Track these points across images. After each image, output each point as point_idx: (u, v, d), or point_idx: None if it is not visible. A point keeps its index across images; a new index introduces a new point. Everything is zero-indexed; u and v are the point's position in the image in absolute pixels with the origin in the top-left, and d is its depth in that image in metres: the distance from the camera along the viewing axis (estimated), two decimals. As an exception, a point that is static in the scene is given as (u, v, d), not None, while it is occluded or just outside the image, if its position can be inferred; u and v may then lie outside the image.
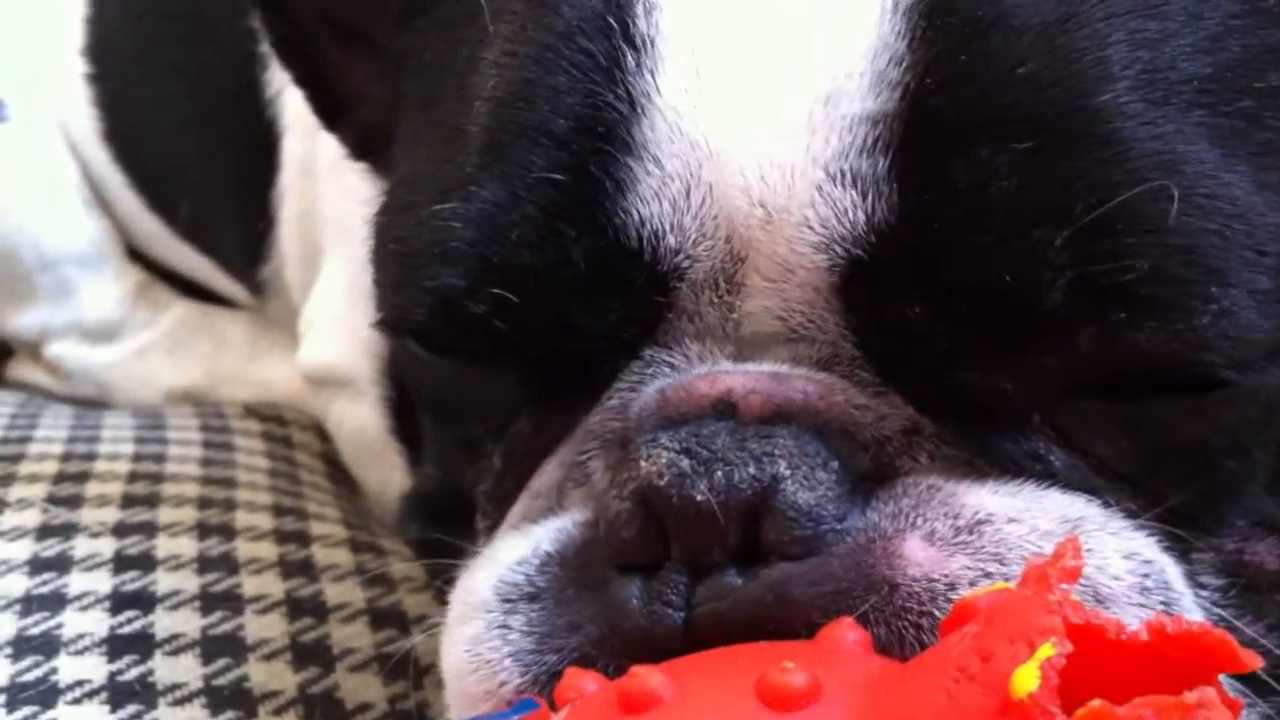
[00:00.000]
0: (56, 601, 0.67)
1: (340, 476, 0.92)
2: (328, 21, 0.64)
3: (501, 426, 0.51)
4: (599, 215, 0.44)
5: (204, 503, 0.79)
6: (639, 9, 0.45)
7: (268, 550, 0.75)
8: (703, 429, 0.44)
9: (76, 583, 0.69)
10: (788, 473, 0.42)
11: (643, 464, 0.43)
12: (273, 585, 0.71)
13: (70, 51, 1.00)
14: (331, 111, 0.67)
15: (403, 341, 0.52)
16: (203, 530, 0.75)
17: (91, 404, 1.05)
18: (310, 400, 0.96)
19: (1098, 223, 0.41)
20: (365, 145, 0.66)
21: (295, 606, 0.70)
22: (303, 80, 0.67)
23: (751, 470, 0.42)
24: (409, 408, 0.67)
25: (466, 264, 0.46)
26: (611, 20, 0.46)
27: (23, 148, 1.01)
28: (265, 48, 0.89)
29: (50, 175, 1.02)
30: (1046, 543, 0.42)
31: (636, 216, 0.44)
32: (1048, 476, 0.44)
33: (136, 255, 1.08)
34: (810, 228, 0.43)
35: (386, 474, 0.83)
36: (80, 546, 0.72)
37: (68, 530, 0.74)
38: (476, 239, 0.46)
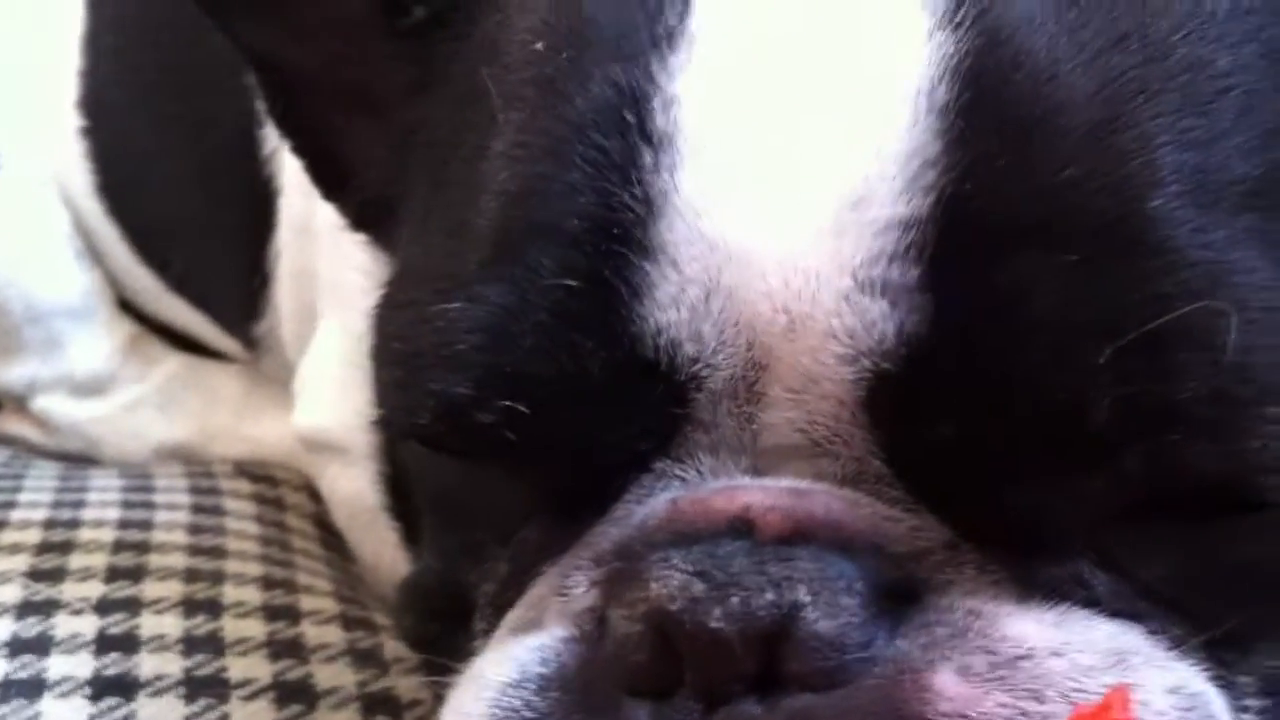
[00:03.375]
0: (35, 688, 0.64)
1: (333, 541, 0.89)
2: (330, 84, 0.61)
3: (508, 532, 0.48)
4: (614, 323, 0.42)
5: (191, 575, 0.76)
6: (656, 103, 0.43)
7: (256, 628, 0.72)
8: (718, 549, 0.41)
9: (56, 666, 0.66)
10: (808, 599, 0.40)
11: (653, 585, 0.41)
12: (260, 668, 0.68)
13: (65, 104, 0.97)
14: (330, 179, 0.64)
15: (404, 441, 0.50)
16: (189, 607, 0.73)
17: (79, 460, 1.02)
18: (303, 459, 0.93)
19: (1147, 338, 0.39)
20: (366, 217, 0.63)
21: (283, 692, 0.67)
22: (301, 147, 0.64)
23: (770, 596, 0.40)
24: (405, 485, 0.64)
25: (473, 371, 0.44)
26: (627, 114, 0.43)
27: (14, 200, 0.98)
28: (260, 107, 0.87)
29: (41, 228, 0.99)
30: (1089, 679, 0.39)
31: (653, 324, 0.42)
32: (1091, 602, 0.41)
33: (128, 308, 1.05)
34: (836, 338, 0.41)
35: (380, 545, 0.80)
36: (61, 626, 0.69)
37: (49, 608, 0.71)
38: (484, 345, 0.43)
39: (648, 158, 0.42)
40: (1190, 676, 0.41)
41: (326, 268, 0.84)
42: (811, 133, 0.42)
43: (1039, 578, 0.42)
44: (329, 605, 0.76)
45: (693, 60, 0.43)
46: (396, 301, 0.50)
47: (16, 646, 0.67)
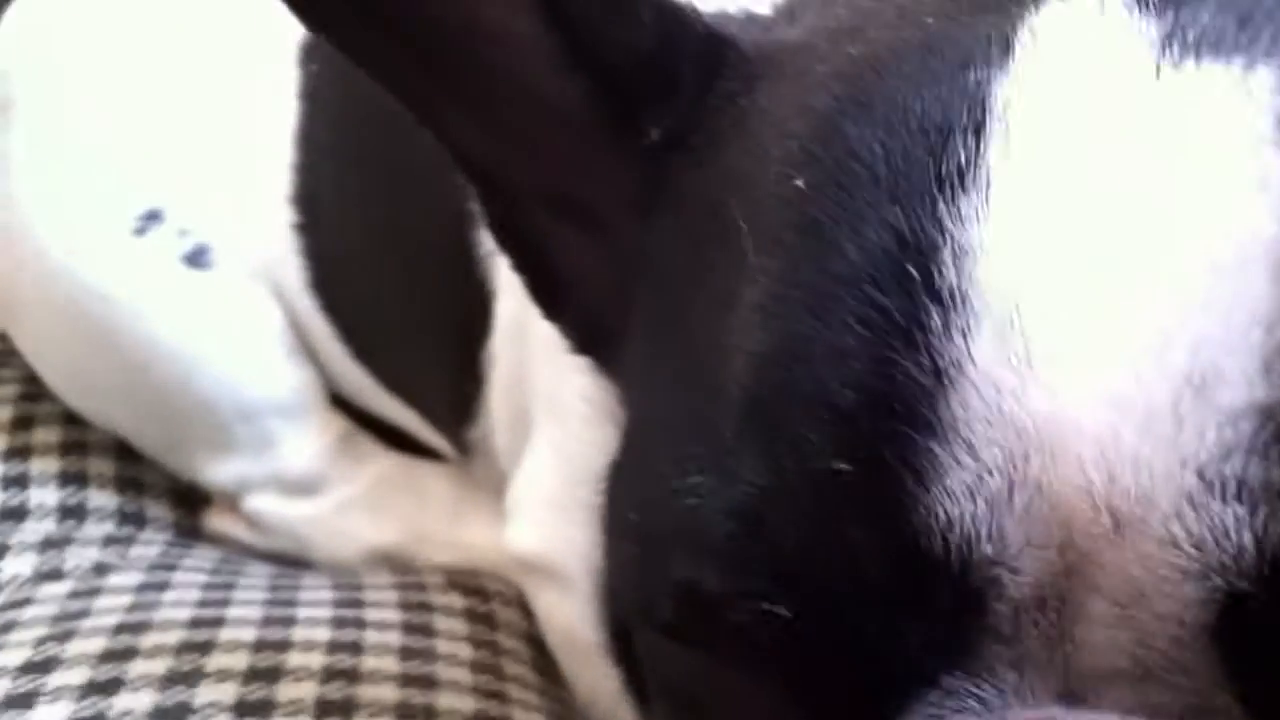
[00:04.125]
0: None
1: (546, 664, 0.84)
2: (550, 195, 0.56)
3: None
4: (895, 515, 0.35)
5: (402, 710, 0.72)
6: (946, 253, 0.36)
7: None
8: None
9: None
10: None
11: None
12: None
13: (278, 198, 0.95)
14: (550, 296, 0.59)
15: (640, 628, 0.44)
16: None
17: (289, 563, 0.99)
18: (517, 574, 0.88)
19: None
20: (587, 340, 0.58)
21: None
22: (518, 261, 0.59)
23: None
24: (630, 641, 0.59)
25: (724, 562, 0.38)
26: (910, 266, 0.36)
27: (226, 296, 0.96)
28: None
29: (252, 324, 0.97)
30: None
31: (943, 517, 0.35)
32: None
33: (340, 403, 1.02)
34: (1176, 546, 0.34)
35: (598, 681, 0.75)
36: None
37: (256, 749, 0.67)
38: (738, 533, 0.37)
39: (936, 319, 0.36)
40: None
41: (543, 380, 0.79)
42: (1139, 294, 0.35)
43: None
44: (546, 746, 0.71)
45: (990, 203, 0.37)
46: (632, 465, 0.45)
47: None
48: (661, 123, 0.48)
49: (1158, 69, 0.37)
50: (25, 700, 0.72)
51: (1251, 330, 0.33)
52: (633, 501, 0.43)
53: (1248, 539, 0.33)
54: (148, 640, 0.77)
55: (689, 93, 0.47)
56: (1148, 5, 0.39)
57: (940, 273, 0.36)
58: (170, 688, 0.72)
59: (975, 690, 0.37)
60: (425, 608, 0.87)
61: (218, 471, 1.00)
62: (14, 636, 0.80)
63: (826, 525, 0.36)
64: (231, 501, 1.02)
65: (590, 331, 0.57)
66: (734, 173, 0.45)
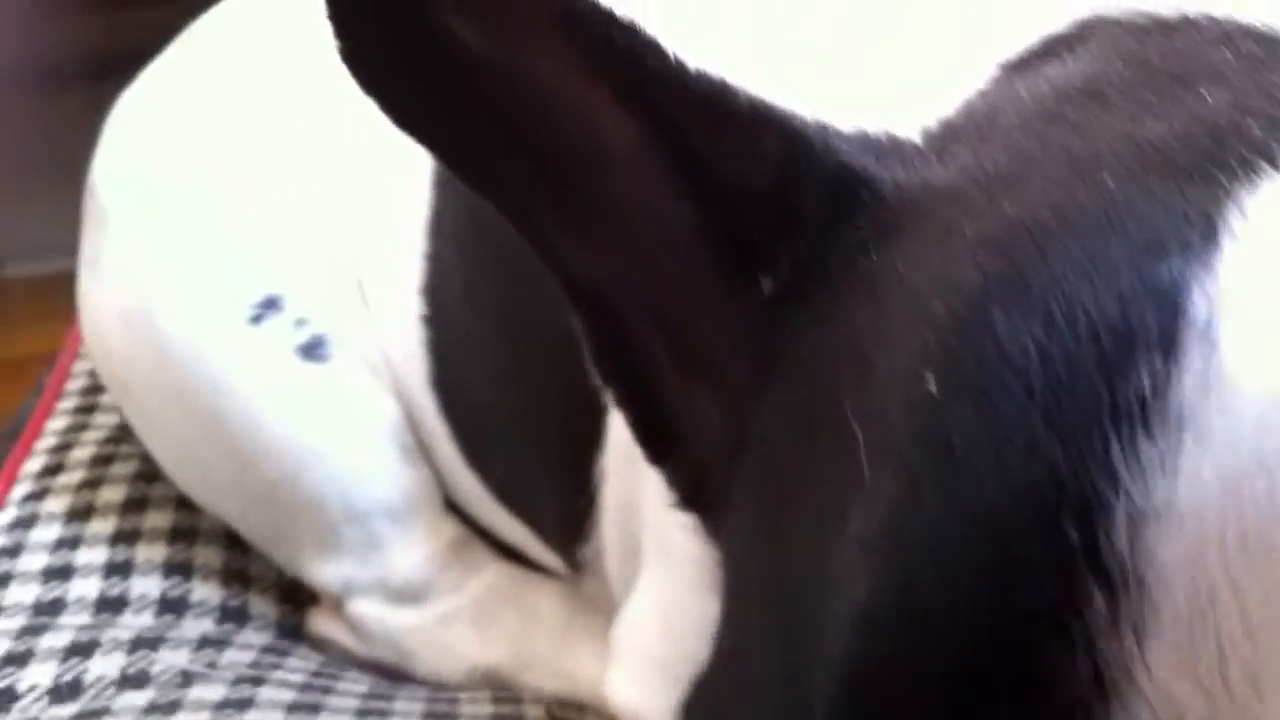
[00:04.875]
0: None
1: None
2: (662, 330, 0.49)
3: None
4: None
5: None
6: (1119, 515, 0.27)
7: None
8: None
9: None
10: None
11: None
12: None
13: (405, 290, 0.90)
14: (657, 441, 0.52)
15: None
16: None
17: (389, 675, 0.93)
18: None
19: None
20: (692, 497, 0.51)
21: None
22: (625, 397, 0.52)
23: None
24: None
25: None
26: (1068, 525, 0.28)
27: (341, 390, 0.91)
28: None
29: (366, 421, 0.92)
30: None
31: None
32: None
33: (454, 509, 0.97)
34: None
35: None
36: None
37: None
38: None
39: (1099, 601, 0.27)
40: None
41: (651, 506, 0.72)
42: None
43: None
44: None
45: (1181, 453, 0.28)
46: (715, 696, 0.37)
47: None
48: (777, 271, 0.41)
49: None
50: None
51: None
52: None
53: None
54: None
55: (811, 237, 0.40)
56: None
57: (1110, 540, 0.27)
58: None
59: None
60: (519, 743, 0.80)
61: (323, 571, 0.95)
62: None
63: None
64: (337, 603, 0.96)
65: (697, 489, 0.50)
66: (857, 350, 0.37)
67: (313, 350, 0.91)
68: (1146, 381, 0.28)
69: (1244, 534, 0.27)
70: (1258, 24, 0.39)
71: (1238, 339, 0.29)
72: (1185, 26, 0.41)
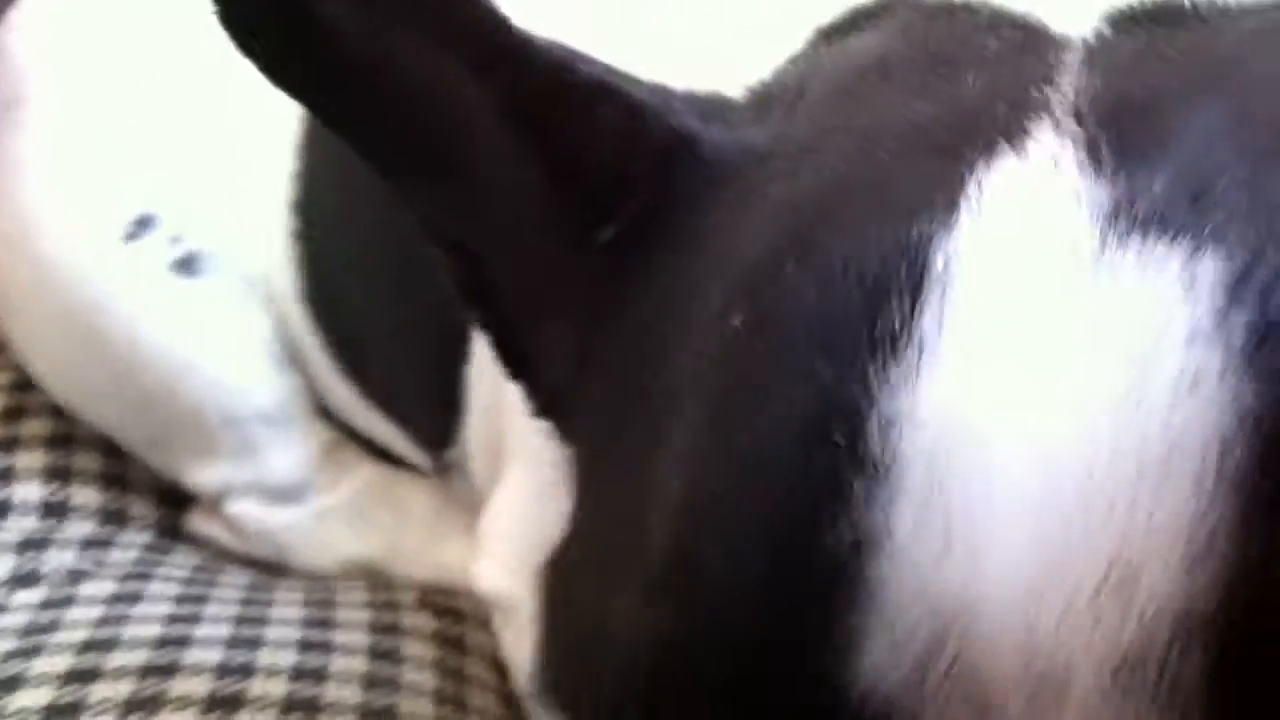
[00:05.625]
0: None
1: (511, 694, 0.84)
2: (516, 276, 0.55)
3: None
4: (810, 690, 0.35)
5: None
6: (872, 422, 0.35)
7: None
8: None
9: None
10: None
11: None
12: None
13: (277, 205, 0.95)
14: (513, 361, 0.59)
15: None
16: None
17: (266, 568, 0.99)
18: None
19: None
20: (545, 409, 0.57)
21: None
22: (483, 323, 0.58)
23: None
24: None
25: (643, 694, 0.37)
26: (836, 432, 0.35)
27: (216, 303, 0.96)
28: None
29: (241, 332, 0.97)
30: None
31: (859, 695, 0.34)
32: None
33: (326, 414, 1.02)
34: None
35: (557, 723, 0.75)
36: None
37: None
38: (655, 671, 0.37)
39: (858, 489, 0.35)
40: None
41: (514, 418, 0.79)
42: (1064, 484, 0.34)
43: None
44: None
45: (919, 373, 0.35)
46: (569, 567, 0.44)
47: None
48: (615, 226, 0.47)
49: (1102, 244, 0.36)
50: (-14, 719, 0.73)
51: (1174, 532, 0.33)
52: (567, 610, 0.43)
53: None
54: (113, 660, 0.78)
55: (643, 196, 0.46)
56: (1100, 167, 0.37)
57: (865, 441, 0.35)
58: (130, 714, 0.73)
59: None
60: (395, 630, 0.87)
61: (202, 475, 1.00)
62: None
63: (741, 687, 0.36)
64: (214, 504, 1.02)
65: (550, 401, 0.57)
66: (679, 293, 0.44)
67: (188, 265, 0.96)
68: (896, 319, 0.36)
69: (961, 428, 0.35)
70: (1021, 13, 0.47)
71: (961, 286, 0.36)
72: (962, 12, 0.48)
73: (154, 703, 0.73)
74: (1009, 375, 0.35)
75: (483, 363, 0.84)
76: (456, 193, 0.54)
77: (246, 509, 1.00)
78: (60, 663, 0.77)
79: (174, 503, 1.05)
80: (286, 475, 1.00)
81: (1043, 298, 0.36)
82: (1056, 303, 0.36)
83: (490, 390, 0.84)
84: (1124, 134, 0.38)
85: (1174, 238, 0.35)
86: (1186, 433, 0.33)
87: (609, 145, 0.47)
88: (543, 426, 0.60)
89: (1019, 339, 0.35)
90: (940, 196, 0.38)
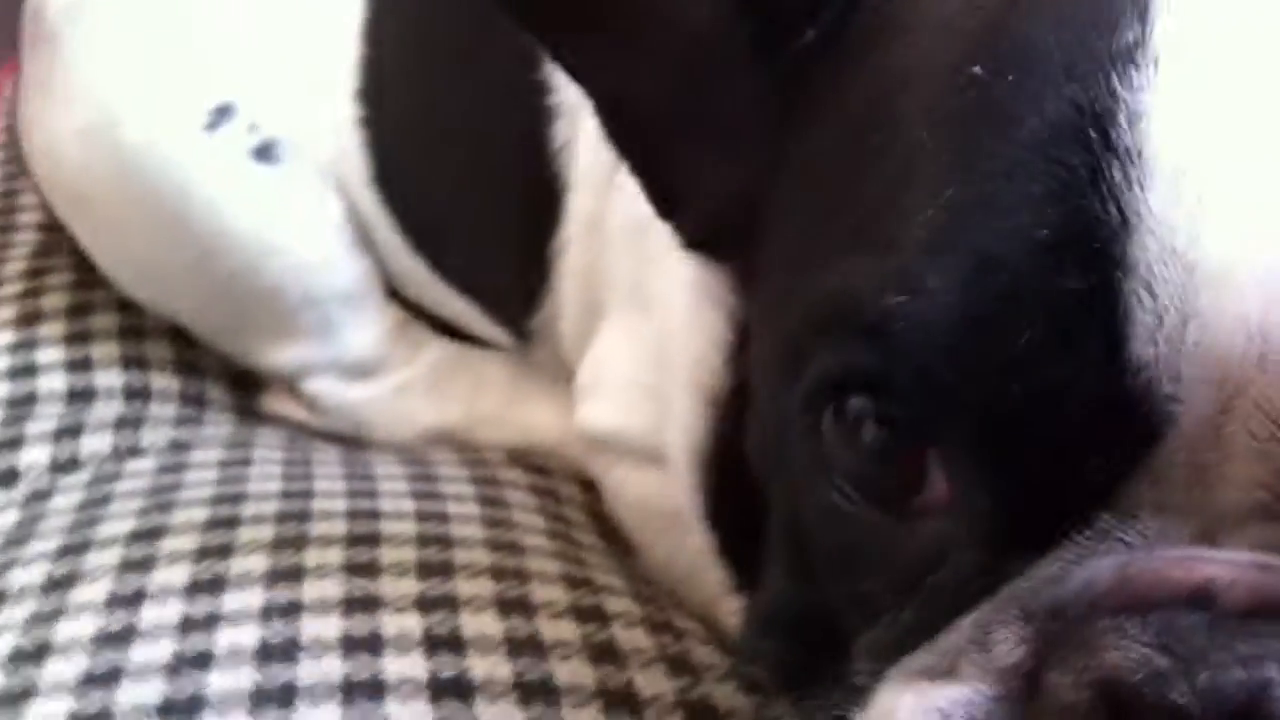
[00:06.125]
0: (376, 689, 0.66)
1: (612, 535, 0.90)
2: (675, 114, 0.61)
3: (913, 582, 0.48)
4: (1096, 339, 0.41)
5: (497, 572, 0.78)
6: (1122, 118, 0.42)
7: (570, 631, 0.73)
8: (1178, 621, 0.40)
9: (392, 667, 0.68)
10: (1278, 677, 0.39)
11: (1110, 654, 0.40)
12: (585, 672, 0.70)
13: (343, 94, 0.99)
14: (670, 201, 0.64)
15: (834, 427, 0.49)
16: (502, 606, 0.74)
17: (351, 441, 1.04)
18: (578, 452, 0.94)
19: None
20: (709, 240, 0.63)
21: (608, 700, 0.68)
22: (639, 169, 0.64)
23: (1239, 674, 0.39)
24: (732, 498, 0.65)
25: (959, 359, 0.43)
26: (1091, 130, 0.42)
27: (292, 189, 1.00)
28: (554, 100, 0.87)
29: (316, 216, 1.02)
30: None
31: (1129, 350, 0.41)
32: None
33: (395, 294, 1.07)
34: None
35: (675, 549, 0.81)
36: (389, 624, 0.71)
37: (371, 604, 0.73)
38: (973, 336, 0.43)
39: (1116, 173, 0.41)
40: None
41: (622, 270, 0.84)
42: None
43: None
44: (633, 608, 0.77)
45: (1159, 74, 0.42)
46: (818, 268, 0.50)
47: (350, 644, 0.69)
48: (817, 24, 0.53)
49: None
50: (144, 565, 0.78)
51: None
52: (858, 296, 0.47)
53: None
54: (248, 509, 0.83)
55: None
56: None
57: (1118, 134, 0.42)
58: (279, 551, 0.78)
59: (1123, 535, 0.43)
60: (494, 482, 0.93)
61: (280, 356, 1.05)
62: (115, 507, 0.86)
63: (1025, 348, 0.41)
64: (289, 385, 1.07)
65: (710, 228, 0.62)
66: (898, 69, 0.50)
67: (265, 153, 1.00)
68: (1130, 36, 0.43)
69: (1200, 116, 0.42)
70: None
71: (1179, 15, 0.44)
72: None
73: (298, 541, 0.79)
74: (1237, 71, 0.42)
75: (579, 224, 0.89)
76: (625, 36, 0.60)
77: (325, 386, 1.05)
78: (198, 514, 0.82)
79: (246, 388, 1.09)
80: (363, 352, 1.05)
81: (1260, 11, 0.43)
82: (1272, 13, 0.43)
83: (585, 253, 0.89)
84: None
85: None
86: None
87: None
88: (687, 257, 0.66)
89: (1243, 41, 0.43)
90: None
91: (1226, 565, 0.41)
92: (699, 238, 0.64)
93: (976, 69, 0.46)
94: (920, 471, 0.47)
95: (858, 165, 0.50)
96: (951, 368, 0.43)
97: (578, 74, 0.63)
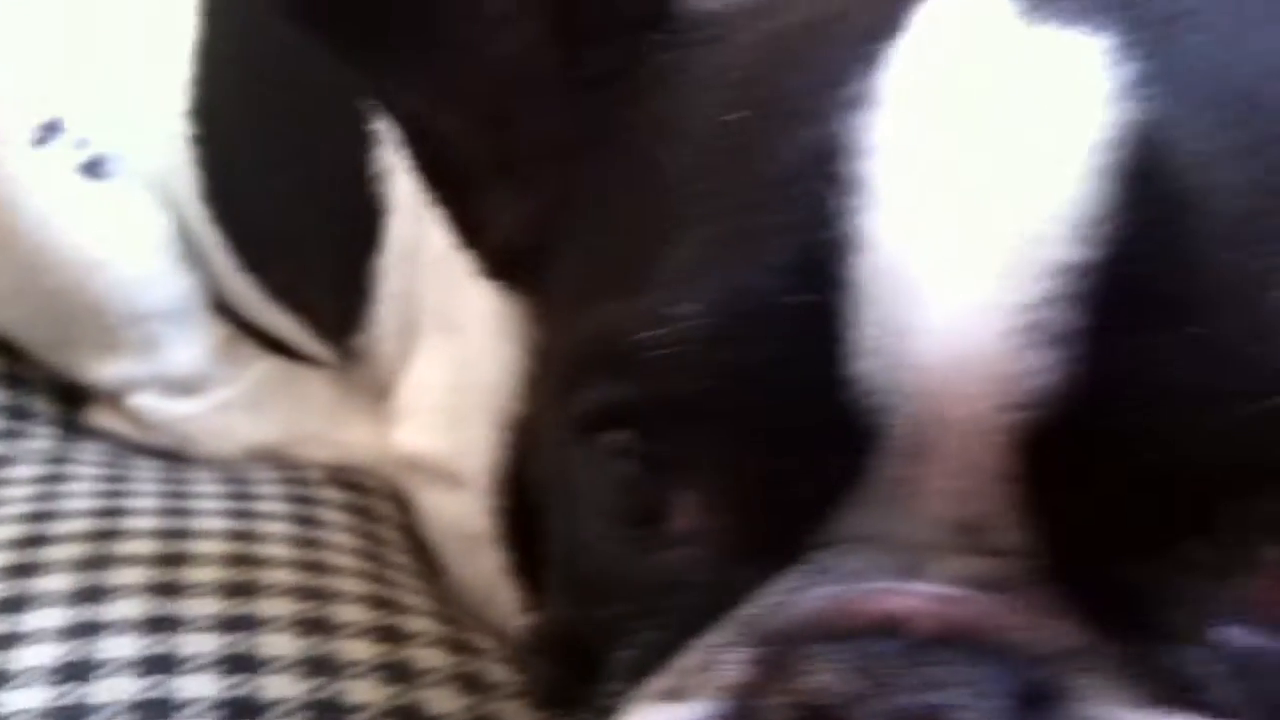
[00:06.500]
0: (162, 708, 0.68)
1: (422, 554, 0.92)
2: (479, 145, 0.63)
3: (656, 607, 0.51)
4: (818, 356, 0.45)
5: (301, 592, 0.80)
6: (849, 155, 0.46)
7: (365, 651, 0.75)
8: (871, 647, 0.44)
9: (186, 687, 0.69)
10: (955, 700, 0.42)
11: (809, 677, 0.43)
12: (375, 693, 0.72)
13: (175, 112, 1.00)
14: (470, 230, 0.67)
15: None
16: (304, 626, 0.76)
17: (172, 456, 1.05)
18: (394, 473, 0.96)
19: (1263, 414, 0.42)
20: (504, 268, 0.66)
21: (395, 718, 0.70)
22: (444, 201, 0.66)
23: (922, 697, 0.42)
24: (528, 523, 0.67)
25: (699, 364, 0.46)
26: (823, 166, 0.46)
27: (120, 204, 1.01)
28: (374, 128, 0.89)
29: (144, 232, 1.02)
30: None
31: (854, 365, 0.44)
32: (1207, 707, 0.44)
33: (223, 309, 1.08)
34: (1000, 384, 0.43)
35: (479, 570, 0.83)
36: (186, 644, 0.73)
37: (172, 624, 0.74)
38: (714, 337, 0.46)
39: (843, 203, 0.45)
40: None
41: (435, 296, 0.87)
42: (991, 178, 0.45)
43: (1161, 681, 0.45)
44: (433, 627, 0.79)
45: (882, 118, 0.47)
46: (588, 306, 0.53)
47: (148, 665, 0.70)
48: (604, 59, 0.57)
49: (1018, 27, 0.48)
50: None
51: (1069, 209, 0.43)
52: (602, 328, 0.51)
53: (1047, 375, 0.43)
54: (60, 528, 0.84)
55: (631, 36, 0.56)
56: None
57: (845, 169, 0.46)
58: (85, 570, 0.79)
59: (837, 565, 0.46)
60: (309, 501, 0.94)
61: (104, 371, 1.05)
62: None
63: (758, 365, 0.45)
64: (114, 399, 1.07)
65: (505, 259, 0.65)
66: (668, 117, 0.54)
67: (94, 169, 1.01)
68: (859, 85, 0.47)
69: (921, 154, 0.46)
70: None
71: (914, 61, 0.48)
72: None
73: (104, 561, 0.79)
74: (955, 118, 0.46)
75: (396, 251, 0.91)
76: (439, 80, 0.62)
77: (149, 401, 1.06)
78: (9, 531, 0.83)
79: (71, 401, 1.10)
80: (187, 368, 1.06)
81: (978, 66, 0.47)
82: (989, 69, 0.47)
83: (403, 276, 0.92)
84: None
85: (1078, 23, 0.47)
86: (1079, 138, 0.44)
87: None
88: (487, 286, 0.68)
89: (962, 94, 0.47)
90: (888, 25, 0.49)
91: (918, 597, 0.45)
92: (495, 268, 0.66)
93: (733, 116, 0.50)
94: (667, 501, 0.50)
95: (628, 206, 0.53)
96: (696, 387, 0.46)
97: (385, 102, 0.66)
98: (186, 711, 0.67)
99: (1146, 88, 0.45)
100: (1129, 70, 0.46)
